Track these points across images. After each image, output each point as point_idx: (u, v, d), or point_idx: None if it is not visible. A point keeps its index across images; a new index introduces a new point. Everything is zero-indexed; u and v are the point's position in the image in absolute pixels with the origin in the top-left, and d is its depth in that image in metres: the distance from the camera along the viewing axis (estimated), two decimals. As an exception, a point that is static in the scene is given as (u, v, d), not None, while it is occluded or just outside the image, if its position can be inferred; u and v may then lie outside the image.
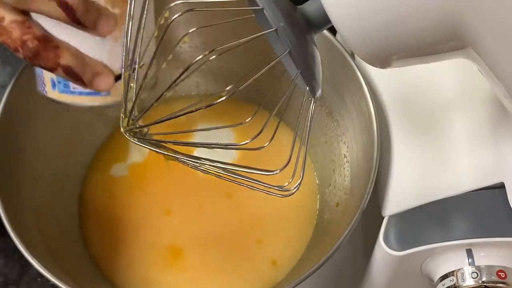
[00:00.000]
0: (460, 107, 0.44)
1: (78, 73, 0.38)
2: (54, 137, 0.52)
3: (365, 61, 0.32)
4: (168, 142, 0.38)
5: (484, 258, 0.40)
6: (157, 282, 0.50)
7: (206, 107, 0.32)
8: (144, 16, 0.36)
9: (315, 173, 0.56)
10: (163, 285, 0.50)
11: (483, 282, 0.39)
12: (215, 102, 0.32)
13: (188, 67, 0.32)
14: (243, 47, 0.33)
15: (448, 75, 0.45)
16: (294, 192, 0.36)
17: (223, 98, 0.32)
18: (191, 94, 0.61)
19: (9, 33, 0.37)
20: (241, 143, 0.34)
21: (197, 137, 0.54)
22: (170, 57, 0.37)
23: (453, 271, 0.40)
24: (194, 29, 0.35)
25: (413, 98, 0.47)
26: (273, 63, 0.33)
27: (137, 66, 0.38)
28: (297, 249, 0.52)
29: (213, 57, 0.33)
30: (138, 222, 0.53)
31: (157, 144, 0.38)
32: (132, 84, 0.38)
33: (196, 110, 0.33)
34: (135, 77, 0.38)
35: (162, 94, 0.35)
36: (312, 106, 0.36)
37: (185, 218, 0.53)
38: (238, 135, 0.55)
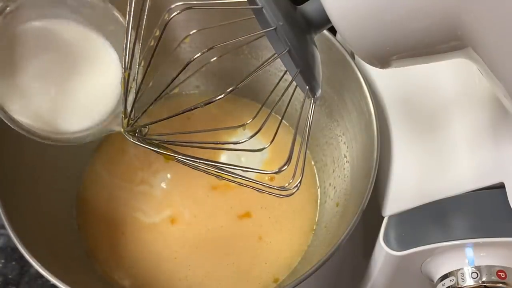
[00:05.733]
0: (460, 107, 0.44)
1: None
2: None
3: (365, 61, 0.32)
4: (167, 142, 0.38)
5: (484, 258, 0.40)
6: (157, 282, 0.50)
7: (205, 104, 0.32)
8: (145, 16, 0.36)
9: (316, 173, 0.56)
10: (162, 284, 0.50)
11: (483, 282, 0.39)
12: (214, 99, 0.32)
13: (186, 65, 0.32)
14: (244, 47, 0.33)
15: (448, 75, 0.45)
16: (294, 192, 0.36)
17: (222, 96, 0.32)
18: (193, 94, 0.61)
19: None
20: (239, 141, 0.34)
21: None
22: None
23: (453, 271, 0.40)
24: (195, 30, 0.35)
25: (413, 98, 0.47)
26: (271, 61, 0.33)
27: (137, 66, 0.38)
28: (298, 248, 0.52)
29: (214, 58, 0.33)
30: (137, 222, 0.53)
31: (157, 144, 0.38)
32: (132, 86, 0.38)
33: (194, 108, 0.33)
34: (135, 77, 0.38)
35: (161, 93, 0.35)
36: (312, 105, 0.36)
37: (185, 217, 0.53)
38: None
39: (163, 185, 0.55)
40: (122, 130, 0.38)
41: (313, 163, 0.57)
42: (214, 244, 0.52)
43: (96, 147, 0.57)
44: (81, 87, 0.44)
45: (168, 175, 0.55)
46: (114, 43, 0.44)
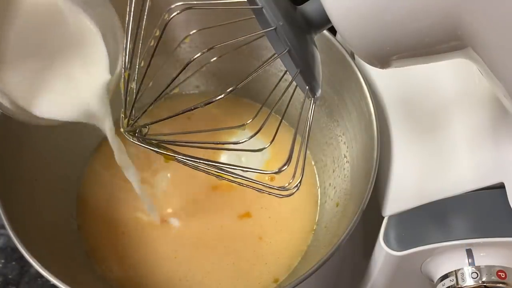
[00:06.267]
0: (460, 107, 0.44)
1: None
2: (53, 138, 0.52)
3: (365, 61, 0.32)
4: (167, 142, 0.38)
5: (484, 258, 0.40)
6: (157, 282, 0.50)
7: (205, 104, 0.32)
8: (145, 16, 0.36)
9: (316, 173, 0.56)
10: (162, 284, 0.50)
11: (483, 282, 0.39)
12: (214, 99, 0.32)
13: (186, 65, 0.32)
14: (244, 48, 0.33)
15: (448, 75, 0.45)
16: (294, 192, 0.36)
17: (221, 96, 0.32)
18: (193, 94, 0.61)
19: None
20: (239, 141, 0.34)
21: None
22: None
23: (453, 271, 0.40)
24: (195, 30, 0.35)
25: (413, 98, 0.47)
26: (271, 61, 0.33)
27: (137, 66, 0.38)
28: (298, 249, 0.52)
29: (214, 59, 0.33)
30: (137, 222, 0.53)
31: (157, 144, 0.38)
32: (132, 86, 0.38)
33: (194, 108, 0.33)
34: (135, 77, 0.38)
35: (161, 93, 0.35)
36: (312, 105, 0.36)
37: (186, 217, 0.53)
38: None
39: (163, 185, 0.55)
40: (122, 130, 0.38)
41: (313, 163, 0.57)
42: (215, 244, 0.52)
43: (96, 147, 0.57)
44: (62, 77, 0.42)
45: (168, 175, 0.55)
46: (109, 43, 0.43)
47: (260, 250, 0.52)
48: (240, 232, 0.52)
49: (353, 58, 0.48)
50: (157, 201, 0.54)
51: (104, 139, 0.57)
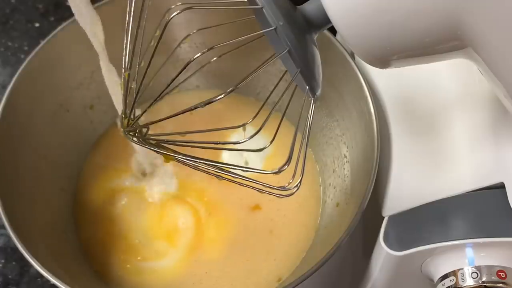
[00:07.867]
0: (460, 107, 0.44)
1: None
2: (53, 137, 0.52)
3: (365, 61, 0.32)
4: (167, 142, 0.38)
5: (484, 258, 0.40)
6: (154, 281, 0.50)
7: (205, 104, 0.32)
8: (145, 16, 0.36)
9: (318, 172, 0.56)
10: (160, 283, 0.50)
11: (483, 282, 0.39)
12: (214, 99, 0.32)
13: (186, 65, 0.32)
14: (244, 48, 0.33)
15: (448, 75, 0.45)
16: (295, 192, 0.36)
17: (222, 96, 0.32)
18: (195, 90, 0.61)
19: None
20: (239, 141, 0.34)
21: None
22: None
23: (453, 271, 0.40)
24: (195, 30, 0.35)
25: (413, 98, 0.47)
26: (271, 61, 0.33)
27: (137, 66, 0.38)
28: (302, 245, 0.52)
29: (214, 59, 0.33)
30: (139, 221, 0.53)
31: (157, 144, 0.38)
32: (132, 86, 0.38)
33: (195, 108, 0.33)
34: (135, 77, 0.38)
35: (161, 93, 0.35)
36: (312, 105, 0.36)
37: (183, 215, 0.53)
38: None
39: (167, 179, 0.54)
40: (122, 130, 0.38)
41: (315, 161, 0.57)
42: (230, 240, 0.51)
43: (94, 144, 0.57)
44: None
45: (172, 168, 0.54)
46: None
47: (271, 245, 0.51)
48: (253, 225, 0.51)
49: (353, 58, 0.48)
50: (161, 197, 0.53)
51: (103, 136, 0.57)
